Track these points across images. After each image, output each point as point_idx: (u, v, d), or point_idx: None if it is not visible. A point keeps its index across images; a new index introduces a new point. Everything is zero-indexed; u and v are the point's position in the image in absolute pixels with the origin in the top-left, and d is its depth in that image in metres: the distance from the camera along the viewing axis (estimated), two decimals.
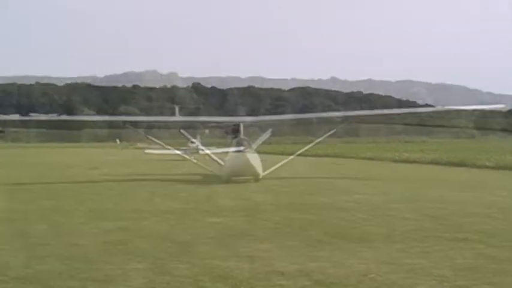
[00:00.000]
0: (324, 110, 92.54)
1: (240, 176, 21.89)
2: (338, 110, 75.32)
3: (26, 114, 41.18)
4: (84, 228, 12.44)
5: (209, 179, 23.07)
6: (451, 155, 36.93)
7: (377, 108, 44.26)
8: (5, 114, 40.92)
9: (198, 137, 37.41)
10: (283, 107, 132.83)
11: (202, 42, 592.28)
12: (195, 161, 28.85)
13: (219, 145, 28.30)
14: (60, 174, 29.06)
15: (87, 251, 10.04)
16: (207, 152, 26.62)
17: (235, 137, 23.12)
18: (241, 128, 23.32)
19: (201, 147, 30.77)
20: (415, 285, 7.71)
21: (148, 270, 8.59)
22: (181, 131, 30.06)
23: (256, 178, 21.75)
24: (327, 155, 44.57)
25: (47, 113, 69.44)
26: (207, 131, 39.18)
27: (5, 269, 8.74)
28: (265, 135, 23.70)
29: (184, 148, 33.97)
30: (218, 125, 30.51)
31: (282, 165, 24.38)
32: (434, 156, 37.22)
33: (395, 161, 38.16)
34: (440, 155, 36.66)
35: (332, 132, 25.84)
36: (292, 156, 25.50)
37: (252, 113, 66.85)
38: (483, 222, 12.70)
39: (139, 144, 54.17)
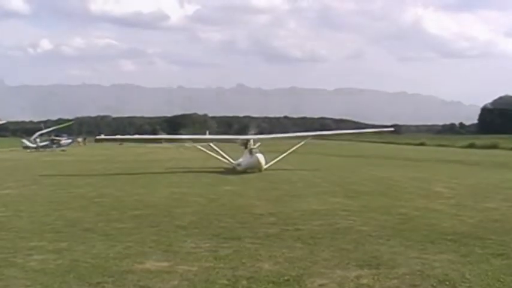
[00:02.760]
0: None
1: (252, 168, 31.53)
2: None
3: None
4: None
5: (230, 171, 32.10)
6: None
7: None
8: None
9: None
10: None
11: None
12: None
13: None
14: None
15: None
16: None
17: (247, 147, 33.52)
18: (251, 141, 33.80)
19: None
20: None
21: None
22: None
23: (261, 170, 31.32)
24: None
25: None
26: None
27: None
28: (258, 143, 34.15)
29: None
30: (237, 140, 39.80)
31: (275, 162, 33.61)
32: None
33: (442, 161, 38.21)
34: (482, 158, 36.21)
35: (302, 143, 37.44)
36: (282, 156, 35.10)
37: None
38: None
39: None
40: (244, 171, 31.30)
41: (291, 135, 43.38)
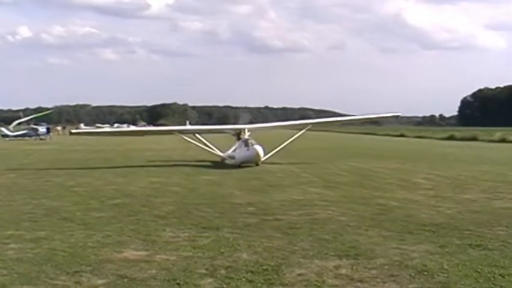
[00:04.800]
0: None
1: (249, 162, 28.12)
2: None
3: None
4: None
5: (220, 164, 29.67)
6: None
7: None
8: None
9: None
10: None
11: None
12: None
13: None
14: None
15: None
16: None
17: (239, 138, 30.32)
18: (246, 131, 31.02)
19: None
20: None
21: None
22: None
23: (258, 164, 28.02)
24: None
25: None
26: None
27: None
28: (248, 133, 31.14)
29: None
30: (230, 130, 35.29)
31: (273, 153, 30.70)
32: None
33: None
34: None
35: (303, 131, 33.83)
36: (279, 147, 31.82)
37: None
38: None
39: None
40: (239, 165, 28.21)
41: (290, 124, 39.67)
